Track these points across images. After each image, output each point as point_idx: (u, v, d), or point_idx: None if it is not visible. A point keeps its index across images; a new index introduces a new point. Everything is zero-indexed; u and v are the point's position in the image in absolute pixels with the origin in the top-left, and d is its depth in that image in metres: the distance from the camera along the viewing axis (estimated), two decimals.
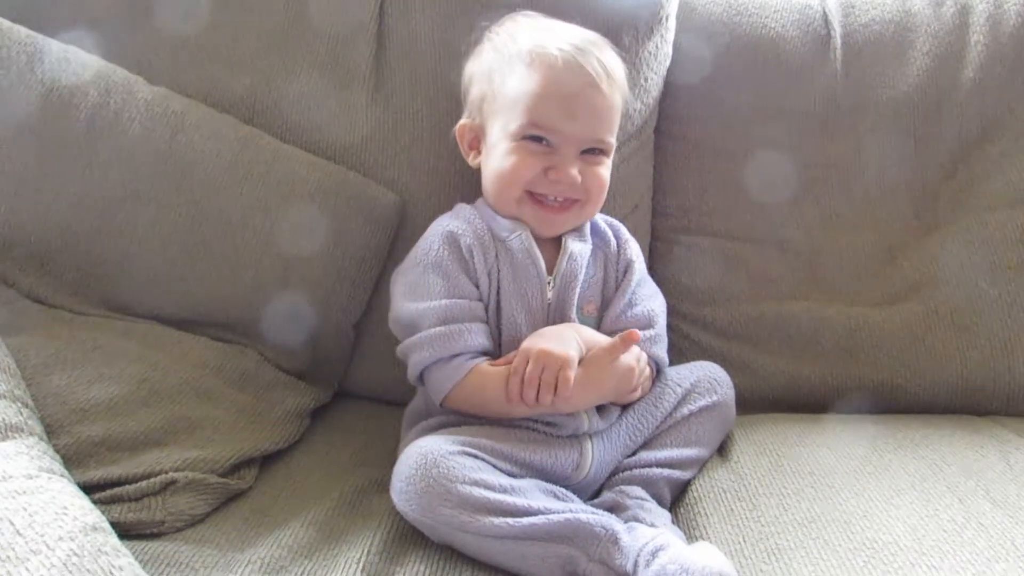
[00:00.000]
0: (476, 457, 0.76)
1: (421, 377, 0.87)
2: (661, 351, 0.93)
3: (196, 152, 0.99)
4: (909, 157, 1.11)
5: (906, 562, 0.70)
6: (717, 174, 1.14)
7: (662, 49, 1.12)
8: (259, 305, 0.98)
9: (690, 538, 0.80)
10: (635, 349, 0.86)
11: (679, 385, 0.92)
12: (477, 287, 0.87)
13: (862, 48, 1.13)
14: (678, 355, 1.08)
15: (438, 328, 0.83)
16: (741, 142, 1.14)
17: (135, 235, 0.97)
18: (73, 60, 1.00)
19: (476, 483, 0.73)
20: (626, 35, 1.08)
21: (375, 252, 1.02)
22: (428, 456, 0.74)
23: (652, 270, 1.17)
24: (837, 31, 1.14)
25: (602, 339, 0.86)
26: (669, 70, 1.14)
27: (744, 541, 0.77)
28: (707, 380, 0.93)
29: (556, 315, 0.88)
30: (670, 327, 1.14)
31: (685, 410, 0.90)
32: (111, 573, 0.54)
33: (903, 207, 1.11)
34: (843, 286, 1.10)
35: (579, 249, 0.90)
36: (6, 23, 1.00)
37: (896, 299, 1.07)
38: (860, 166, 1.12)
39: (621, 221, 1.10)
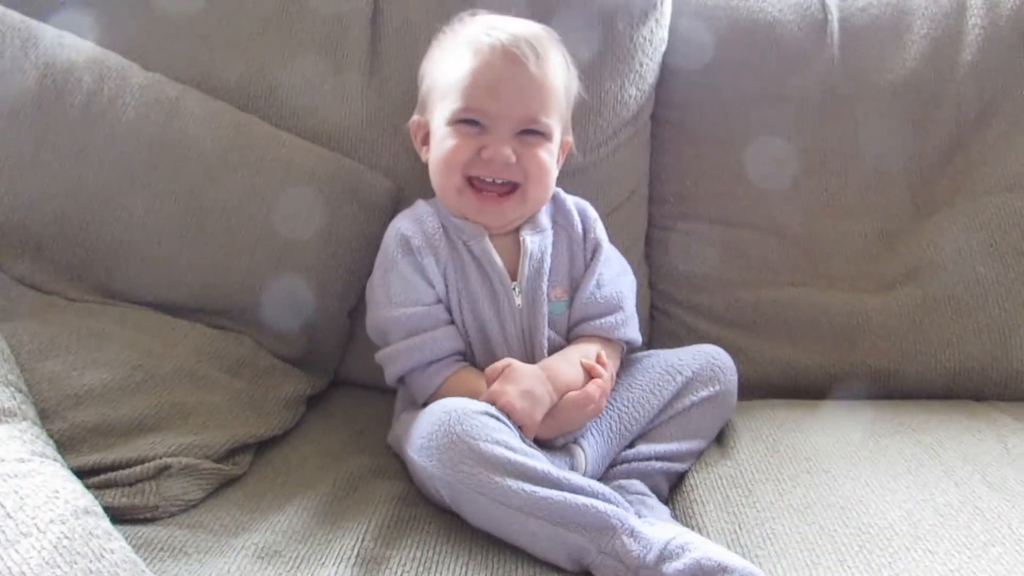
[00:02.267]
0: (499, 420, 0.76)
1: (401, 380, 0.89)
2: (631, 331, 0.93)
3: (191, 138, 0.98)
4: (907, 141, 1.11)
5: (902, 546, 0.70)
6: (714, 160, 1.14)
7: (657, 34, 1.11)
8: (254, 292, 0.98)
9: (686, 526, 0.79)
10: (605, 370, 0.86)
11: (680, 373, 0.91)
12: (435, 288, 0.88)
13: (859, 32, 1.13)
14: (675, 342, 1.08)
15: (406, 341, 0.86)
16: (738, 128, 1.13)
17: (130, 221, 0.96)
18: (67, 45, 1.00)
19: (498, 442, 0.72)
20: (620, 20, 1.08)
21: (370, 238, 1.01)
22: (452, 413, 0.74)
23: (648, 257, 1.17)
24: (834, 15, 1.13)
25: (572, 378, 0.84)
26: (665, 55, 1.13)
27: (740, 528, 0.77)
28: (710, 368, 0.92)
29: (527, 319, 0.88)
30: (666, 314, 1.14)
31: (687, 401, 0.90)
32: (102, 556, 0.54)
33: (901, 192, 1.10)
34: (841, 272, 1.09)
35: (538, 244, 0.90)
36: (0, 8, 0.99)
37: (894, 284, 1.07)
38: (858, 151, 1.11)
39: (617, 208, 1.11)
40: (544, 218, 0.93)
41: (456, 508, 0.75)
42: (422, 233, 0.89)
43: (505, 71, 0.86)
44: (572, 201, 0.96)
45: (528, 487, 0.71)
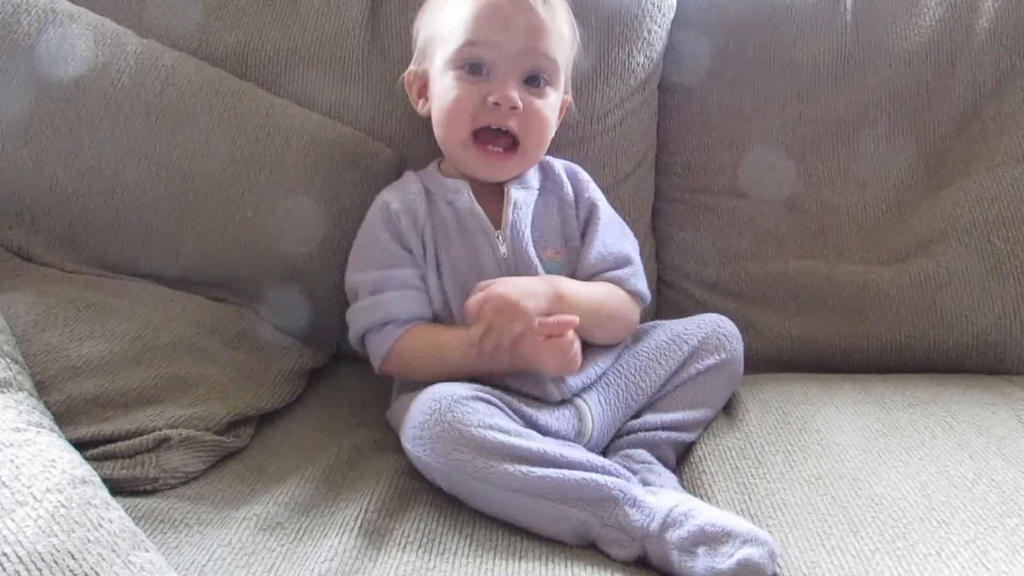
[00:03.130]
0: (490, 403, 0.74)
1: (363, 344, 0.87)
2: (643, 284, 0.92)
3: (187, 106, 0.96)
4: (920, 110, 1.08)
5: (916, 517, 0.69)
6: (723, 130, 1.12)
7: (666, 0, 1.08)
8: (254, 263, 0.96)
9: (695, 496, 0.78)
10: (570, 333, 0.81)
11: (685, 342, 0.89)
12: (411, 252, 0.86)
13: None
14: (682, 315, 1.03)
15: (367, 299, 0.85)
16: (748, 97, 1.11)
17: (126, 192, 0.94)
18: (60, 11, 0.97)
19: (491, 427, 0.71)
20: None
21: None
22: (442, 401, 0.72)
23: (655, 229, 1.15)
24: None
25: (575, 290, 0.84)
26: (674, 22, 1.11)
27: (750, 498, 0.75)
28: (715, 336, 0.90)
29: (512, 269, 0.86)
30: (673, 287, 1.13)
31: (692, 369, 0.88)
32: (100, 525, 0.53)
33: (914, 163, 1.08)
34: (852, 244, 1.07)
35: (523, 197, 0.89)
36: None
37: (906, 256, 1.05)
38: (870, 121, 1.09)
39: (624, 178, 1.09)
40: (532, 178, 0.92)
41: (454, 495, 0.74)
42: (402, 198, 0.88)
43: (512, 9, 0.84)
44: (562, 165, 0.94)
45: (525, 468, 0.69)
